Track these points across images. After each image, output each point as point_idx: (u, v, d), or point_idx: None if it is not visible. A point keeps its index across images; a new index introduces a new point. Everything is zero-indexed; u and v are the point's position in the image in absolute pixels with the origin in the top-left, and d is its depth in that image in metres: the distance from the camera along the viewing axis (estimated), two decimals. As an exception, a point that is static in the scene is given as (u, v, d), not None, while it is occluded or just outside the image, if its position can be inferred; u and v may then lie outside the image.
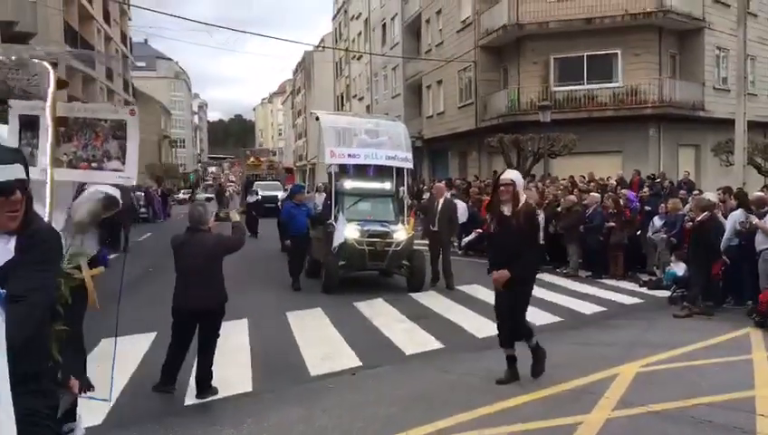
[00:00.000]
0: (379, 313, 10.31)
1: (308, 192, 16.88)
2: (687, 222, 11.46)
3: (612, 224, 14.34)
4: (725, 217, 11.08)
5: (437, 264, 13.09)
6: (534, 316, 8.28)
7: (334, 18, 64.70)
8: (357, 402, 5.87)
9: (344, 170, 13.88)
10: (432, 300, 11.57)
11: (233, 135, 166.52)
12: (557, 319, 9.90)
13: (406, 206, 13.72)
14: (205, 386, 5.94)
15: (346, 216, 12.60)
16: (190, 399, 6.06)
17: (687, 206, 12.84)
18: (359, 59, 52.43)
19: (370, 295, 11.70)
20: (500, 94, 28.61)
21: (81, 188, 3.95)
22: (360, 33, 52.79)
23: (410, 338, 8.60)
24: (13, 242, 2.41)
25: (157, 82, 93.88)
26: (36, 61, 3.82)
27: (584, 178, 21.57)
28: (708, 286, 10.59)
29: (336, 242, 12.08)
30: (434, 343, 8.32)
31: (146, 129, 72.45)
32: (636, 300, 11.94)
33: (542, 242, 10.14)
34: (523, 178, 22.34)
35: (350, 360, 7.41)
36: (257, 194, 27.88)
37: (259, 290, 12.49)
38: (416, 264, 12.51)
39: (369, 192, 13.47)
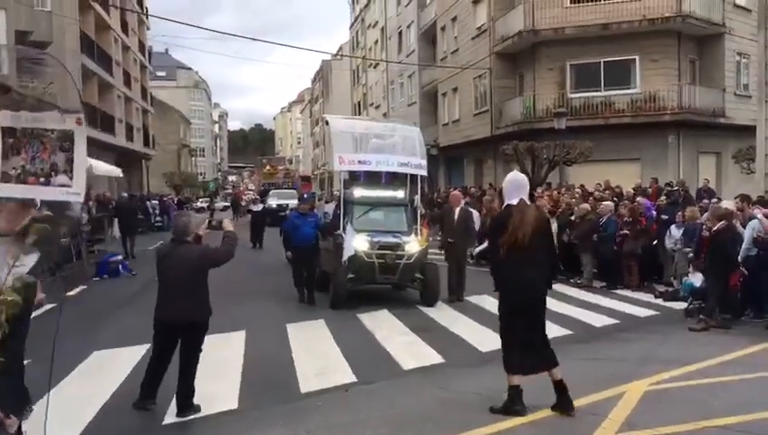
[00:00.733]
0: (382, 325, 9.99)
1: (325, 201, 16.06)
2: (705, 231, 11.03)
3: (626, 232, 13.91)
4: (744, 227, 10.68)
5: (453, 278, 12.38)
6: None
7: (351, 27, 64.72)
8: (344, 423, 5.56)
9: (355, 178, 13.32)
10: (438, 312, 11.25)
11: (253, 144, 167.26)
12: (566, 332, 9.51)
13: (419, 215, 12.88)
14: (186, 404, 5.66)
15: (356, 226, 11.94)
16: (170, 417, 5.78)
17: (706, 214, 12.38)
18: (375, 67, 52.41)
19: (377, 307, 11.34)
20: (515, 101, 28.23)
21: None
22: (376, 42, 52.73)
23: (410, 352, 8.27)
24: None
25: (176, 91, 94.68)
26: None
27: (600, 185, 21.16)
28: (726, 298, 10.16)
29: (346, 254, 11.46)
30: (434, 357, 7.99)
31: (165, 137, 73.13)
32: (651, 312, 11.51)
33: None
34: (539, 186, 22.37)
35: (344, 375, 7.10)
36: (262, 202, 27.53)
37: (263, 301, 12.27)
38: (429, 277, 11.78)
39: (381, 201, 12.76)
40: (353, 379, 6.96)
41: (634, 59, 26.10)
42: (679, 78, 25.96)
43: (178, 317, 5.55)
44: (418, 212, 12.99)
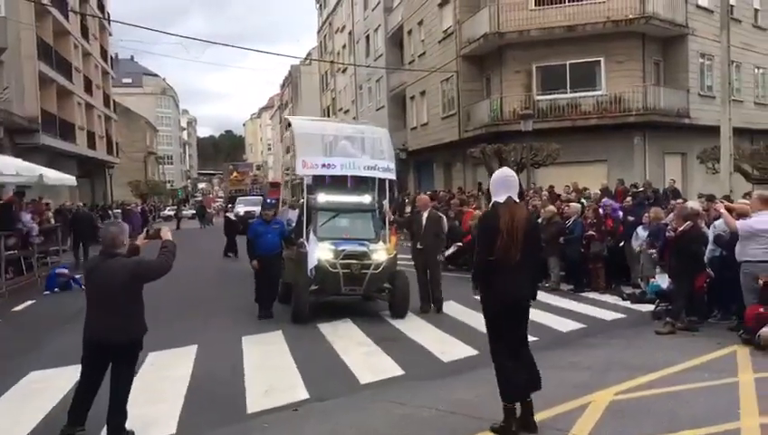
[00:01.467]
0: (343, 335, 9.62)
1: (289, 207, 15.40)
2: (669, 232, 10.84)
3: (591, 233, 13.73)
4: (709, 227, 10.52)
5: (426, 286, 11.72)
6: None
7: (319, 31, 64.31)
8: (289, 446, 5.19)
9: (320, 183, 12.59)
10: (403, 321, 10.78)
11: (223, 151, 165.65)
12: (532, 338, 9.07)
13: (388, 222, 12.17)
14: (117, 430, 5.20)
15: (320, 234, 11.23)
16: (101, 444, 5.35)
17: (671, 215, 12.22)
18: (344, 72, 52.13)
19: (340, 316, 10.90)
20: (483, 104, 28.11)
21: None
22: (344, 46, 52.45)
23: (369, 364, 7.92)
24: None
25: (143, 98, 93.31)
26: None
27: (569, 187, 21.08)
28: (692, 300, 9.97)
29: (310, 264, 10.70)
30: (393, 370, 7.64)
31: (131, 145, 71.99)
32: (618, 315, 11.30)
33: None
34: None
35: (296, 392, 6.71)
36: (234, 210, 26.83)
37: (221, 312, 11.76)
38: (398, 287, 11.04)
39: (346, 207, 12.00)
40: (305, 396, 6.58)
41: (599, 61, 26.17)
42: (644, 79, 26.09)
43: (108, 337, 5.10)
44: (387, 218, 12.31)
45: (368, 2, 44.41)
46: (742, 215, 9.20)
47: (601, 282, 13.93)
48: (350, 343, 9.06)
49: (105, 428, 5.28)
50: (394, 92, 39.73)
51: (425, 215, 12.03)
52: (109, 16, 48.34)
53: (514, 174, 5.77)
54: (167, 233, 5.67)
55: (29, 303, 13.07)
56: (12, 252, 14.20)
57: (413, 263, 12.15)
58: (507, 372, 5.41)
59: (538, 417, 5.52)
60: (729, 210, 9.60)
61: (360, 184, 12.82)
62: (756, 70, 31.03)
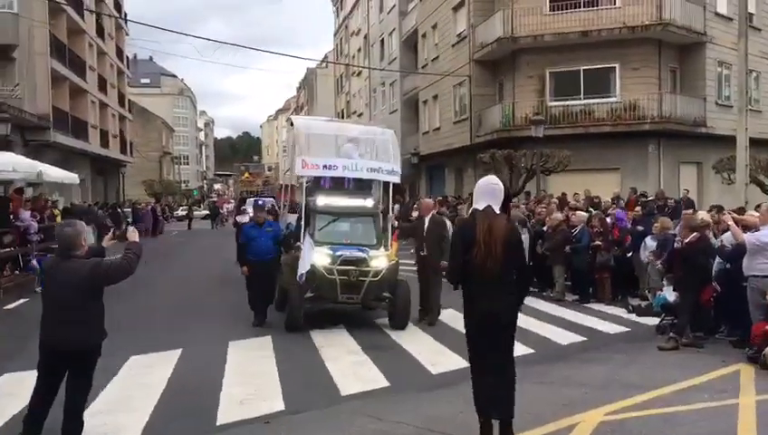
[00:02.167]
0: (333, 343, 9.33)
1: (289, 210, 14.75)
2: (678, 243, 10.46)
3: (598, 243, 13.35)
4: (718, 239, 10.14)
5: (427, 297, 11.10)
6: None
7: (336, 34, 64.22)
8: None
9: (320, 184, 12.08)
10: (399, 329, 10.39)
11: (240, 152, 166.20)
12: (528, 351, 8.89)
13: (390, 227, 11.62)
14: (72, 440, 4.93)
15: (318, 238, 10.69)
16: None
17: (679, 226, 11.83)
18: (358, 75, 52.02)
19: (334, 322, 10.59)
20: (494, 109, 27.73)
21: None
22: (359, 49, 52.30)
23: (355, 374, 7.62)
24: None
25: (160, 98, 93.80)
26: None
27: (579, 195, 20.66)
28: (698, 315, 9.59)
29: (301, 269, 10.05)
30: (378, 381, 7.33)
31: (147, 145, 72.29)
32: (621, 329, 10.92)
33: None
34: (516, 195, 21.82)
35: (272, 403, 6.42)
36: (246, 213, 26.42)
37: (214, 317, 11.44)
38: (399, 297, 10.43)
39: (346, 210, 11.44)
40: (280, 407, 6.28)
41: (614, 67, 25.72)
42: (660, 87, 25.59)
43: (62, 343, 4.83)
44: (389, 224, 11.76)
45: (383, 5, 44.21)
46: (749, 227, 8.82)
47: (607, 293, 13.55)
48: (339, 352, 8.77)
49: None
50: (407, 96, 39.46)
51: (427, 220, 11.47)
52: (126, 16, 48.48)
53: (500, 183, 5.41)
54: (133, 234, 5.40)
55: (22, 301, 12.90)
56: (8, 249, 14.05)
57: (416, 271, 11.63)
58: (481, 386, 5.12)
59: (523, 436, 5.20)
60: (737, 222, 9.21)
61: (363, 187, 12.23)
62: (775, 80, 30.41)
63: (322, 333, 9.90)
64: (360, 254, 10.40)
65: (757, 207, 9.72)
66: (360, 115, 50.98)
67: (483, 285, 5.03)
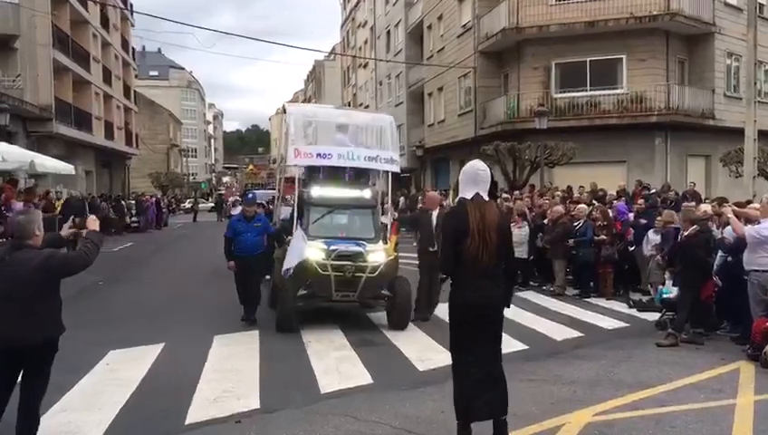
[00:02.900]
0: (321, 338, 9.07)
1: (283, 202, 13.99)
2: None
3: (603, 237, 13.03)
4: (721, 233, 9.81)
5: (424, 295, 10.48)
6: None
7: (342, 26, 63.90)
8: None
9: (314, 175, 11.37)
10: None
11: (249, 145, 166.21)
12: (521, 347, 8.63)
13: (390, 219, 10.97)
14: (26, 440, 4.68)
15: (312, 232, 10.01)
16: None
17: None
18: (365, 67, 51.74)
19: (329, 317, 10.20)
20: (499, 101, 27.40)
21: None
22: (366, 41, 52.01)
23: (338, 370, 7.37)
24: None
25: (168, 90, 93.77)
26: None
27: (583, 188, 20.30)
28: (699, 311, 9.27)
29: (288, 264, 9.39)
30: (362, 378, 7.08)
31: (154, 137, 72.28)
32: (620, 324, 10.61)
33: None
34: (521, 187, 21.48)
35: (247, 401, 6.18)
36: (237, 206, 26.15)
37: (204, 311, 11.20)
38: (398, 294, 9.79)
39: (342, 202, 10.72)
40: (255, 405, 6.04)
41: (621, 58, 25.33)
42: (667, 78, 25.20)
43: (17, 337, 4.54)
44: (389, 215, 11.18)
45: (389, -4, 43.91)
46: (751, 220, 8.51)
47: (609, 287, 13.24)
48: (326, 347, 8.51)
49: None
50: (412, 88, 39.16)
51: (434, 214, 10.73)
52: (131, 7, 48.29)
53: (487, 168, 5.08)
54: (93, 223, 5.09)
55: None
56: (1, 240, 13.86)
57: (418, 265, 10.97)
58: (465, 388, 4.82)
59: (505, 437, 4.92)
60: (738, 215, 8.89)
61: (359, 177, 11.54)
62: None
63: (312, 328, 9.60)
64: (357, 248, 9.72)
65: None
66: (366, 107, 50.59)
67: (474, 277, 4.77)
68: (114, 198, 33.96)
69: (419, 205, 23.71)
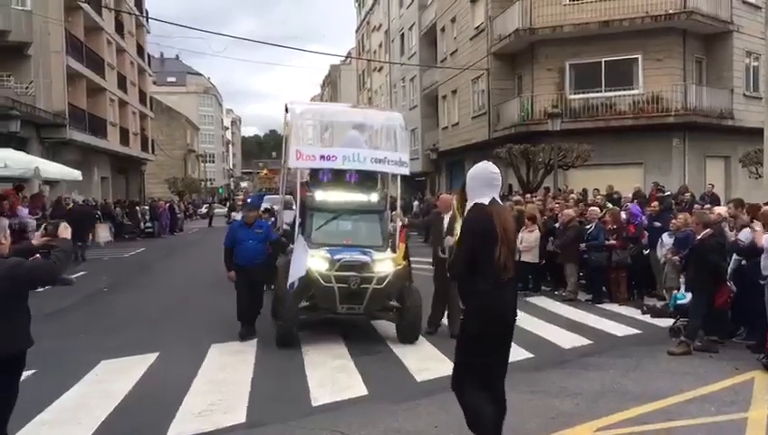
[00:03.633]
0: (320, 346, 8.81)
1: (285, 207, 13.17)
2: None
3: (613, 242, 12.67)
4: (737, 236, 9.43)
5: (441, 304, 9.73)
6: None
7: (357, 30, 63.81)
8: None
9: (318, 178, 10.67)
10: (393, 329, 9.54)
11: (267, 150, 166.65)
12: (526, 356, 8.31)
13: (398, 224, 10.17)
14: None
15: (315, 240, 9.48)
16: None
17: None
18: (379, 71, 51.58)
19: (333, 324, 9.81)
20: (513, 103, 27.04)
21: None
22: (380, 45, 51.87)
23: (333, 382, 7.10)
24: None
25: (186, 96, 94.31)
26: None
27: (598, 191, 19.93)
28: (713, 317, 8.90)
29: (292, 277, 8.81)
30: (357, 389, 6.81)
31: (172, 143, 72.72)
32: (632, 331, 10.25)
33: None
34: (534, 190, 21.10)
35: (233, 414, 5.94)
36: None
37: (205, 319, 10.85)
38: (409, 306, 9.13)
39: (348, 207, 10.14)
40: (241, 419, 5.80)
41: (636, 58, 24.87)
42: (684, 78, 24.71)
43: (-21, 351, 4.36)
44: (398, 221, 10.29)
45: (403, -1, 43.75)
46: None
47: (623, 292, 12.87)
48: (323, 357, 8.24)
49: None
50: (426, 92, 38.90)
51: (446, 218, 9.79)
52: (147, 14, 48.51)
53: (498, 171, 4.73)
54: (65, 231, 4.87)
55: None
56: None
57: (433, 274, 10.13)
58: (484, 404, 4.54)
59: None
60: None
61: (366, 180, 10.68)
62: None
63: (313, 336, 9.32)
64: (362, 257, 9.05)
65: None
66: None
67: (499, 288, 4.44)
68: (128, 204, 33.98)
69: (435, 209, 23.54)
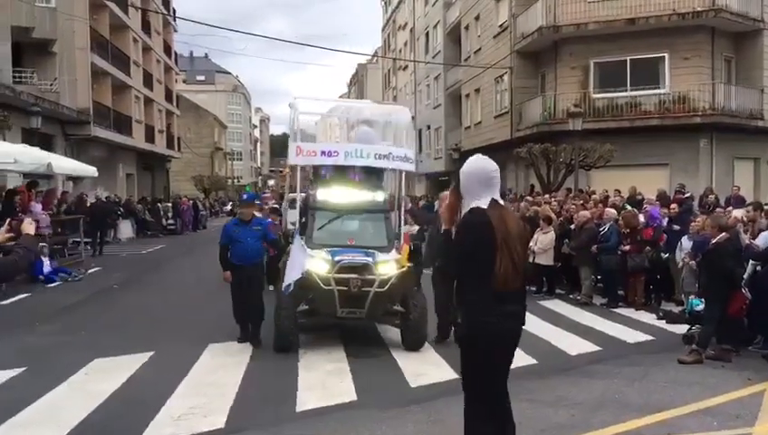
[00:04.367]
0: (317, 347, 8.62)
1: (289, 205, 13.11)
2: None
3: (627, 247, 12.27)
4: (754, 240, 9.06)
5: (446, 311, 8.92)
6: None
7: (383, 29, 63.65)
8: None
9: (320, 175, 10.41)
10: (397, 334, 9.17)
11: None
12: (529, 362, 8.01)
13: (402, 225, 9.86)
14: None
15: (316, 240, 9.03)
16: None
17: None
18: (404, 69, 51.39)
19: (331, 322, 9.31)
20: (535, 102, 26.62)
21: None
22: (405, 43, 51.69)
23: (324, 386, 6.90)
24: None
25: (215, 95, 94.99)
26: None
27: (619, 192, 19.45)
28: (727, 325, 8.53)
29: (288, 279, 8.47)
30: (346, 395, 6.60)
31: (199, 141, 73.30)
32: (645, 337, 9.90)
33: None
34: (555, 191, 20.66)
35: (214, 418, 5.77)
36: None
37: (206, 317, 10.68)
38: (413, 311, 8.66)
39: (350, 207, 9.64)
40: (220, 425, 5.62)
41: (663, 57, 24.29)
42: (713, 77, 24.07)
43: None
44: (401, 221, 10.06)
45: (429, -3, 43.48)
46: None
47: (640, 297, 12.48)
48: (319, 359, 8.05)
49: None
50: (450, 90, 38.58)
51: None
52: (174, 12, 48.82)
53: (497, 167, 4.24)
54: (29, 227, 4.70)
55: (22, 296, 12.60)
56: (15, 243, 13.78)
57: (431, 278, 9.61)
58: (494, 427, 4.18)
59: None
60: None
61: (370, 177, 10.19)
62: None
63: (312, 336, 9.09)
64: (364, 259, 8.57)
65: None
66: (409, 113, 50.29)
67: (501, 302, 4.00)
68: (150, 201, 34.21)
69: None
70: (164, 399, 6.28)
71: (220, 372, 7.40)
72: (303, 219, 9.69)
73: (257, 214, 9.89)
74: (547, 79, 26.97)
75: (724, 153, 24.41)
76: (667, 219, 13.74)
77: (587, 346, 9.19)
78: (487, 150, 30.72)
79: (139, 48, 38.81)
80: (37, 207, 14.68)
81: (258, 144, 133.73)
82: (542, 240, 13.54)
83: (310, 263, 8.45)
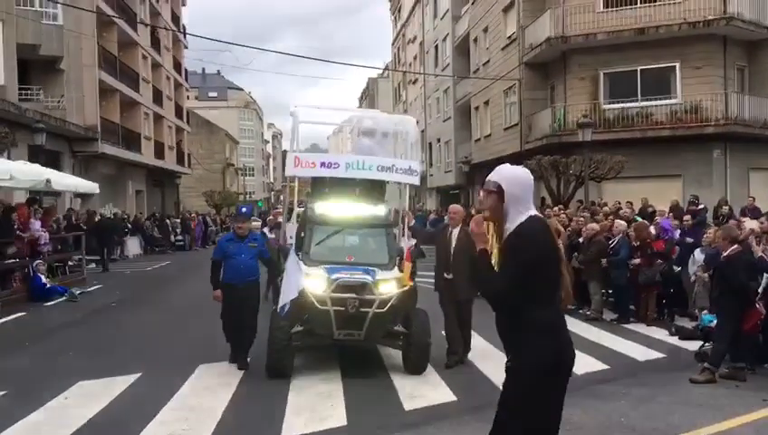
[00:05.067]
0: (312, 366, 8.29)
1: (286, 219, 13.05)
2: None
3: (637, 261, 11.87)
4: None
5: (454, 331, 8.65)
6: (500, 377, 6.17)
7: (393, 43, 63.69)
8: None
9: (319, 188, 9.93)
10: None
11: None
12: (532, 382, 7.61)
13: (406, 241, 9.30)
14: None
15: (314, 256, 8.43)
16: None
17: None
18: (414, 83, 51.31)
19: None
20: (545, 114, 26.29)
21: None
22: (415, 57, 51.66)
23: (312, 410, 6.56)
24: None
25: (227, 111, 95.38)
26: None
27: (630, 203, 19.04)
28: (741, 342, 8.12)
29: (283, 299, 7.93)
30: (334, 419, 6.26)
31: (211, 157, 73.51)
32: (656, 355, 9.48)
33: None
34: (565, 203, 20.27)
35: (191, 445, 5.48)
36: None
37: (200, 337, 10.24)
38: (415, 332, 8.10)
39: (350, 221, 9.04)
40: (198, 451, 5.33)
41: (674, 66, 23.92)
42: (725, 86, 23.64)
43: None
44: (405, 237, 9.46)
45: (437, 11, 43.39)
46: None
47: (651, 312, 12.05)
48: (311, 379, 7.70)
49: None
50: (460, 103, 38.35)
51: (455, 232, 8.75)
52: (184, 29, 49.03)
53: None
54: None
55: (17, 315, 12.37)
56: (13, 260, 13.66)
57: (438, 299, 8.98)
58: None
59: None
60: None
61: (371, 190, 9.79)
62: None
63: (307, 355, 8.71)
64: (363, 277, 7.95)
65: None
66: (416, 123, 50.11)
67: (563, 321, 3.52)
68: (158, 217, 34.11)
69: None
70: (143, 424, 5.98)
71: (206, 395, 7.07)
72: (302, 234, 9.08)
73: (265, 230, 9.49)
74: (556, 90, 26.66)
75: (738, 164, 23.94)
76: (679, 232, 13.35)
77: (595, 365, 8.75)
78: (497, 163, 30.50)
79: (149, 65, 38.89)
80: (36, 224, 14.52)
81: (271, 159, 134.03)
82: (550, 254, 13.15)
83: (305, 281, 7.91)
